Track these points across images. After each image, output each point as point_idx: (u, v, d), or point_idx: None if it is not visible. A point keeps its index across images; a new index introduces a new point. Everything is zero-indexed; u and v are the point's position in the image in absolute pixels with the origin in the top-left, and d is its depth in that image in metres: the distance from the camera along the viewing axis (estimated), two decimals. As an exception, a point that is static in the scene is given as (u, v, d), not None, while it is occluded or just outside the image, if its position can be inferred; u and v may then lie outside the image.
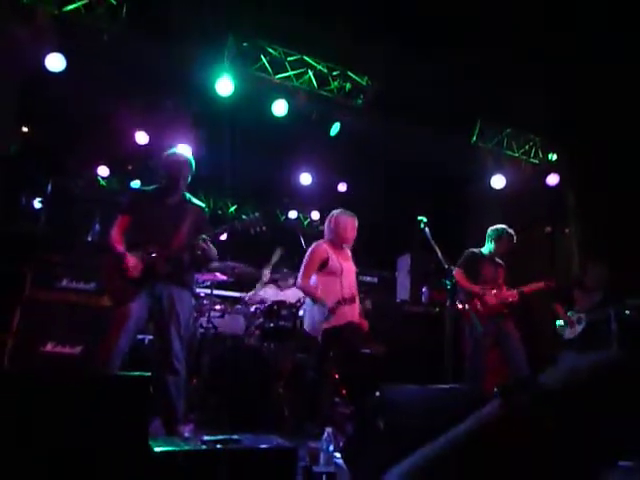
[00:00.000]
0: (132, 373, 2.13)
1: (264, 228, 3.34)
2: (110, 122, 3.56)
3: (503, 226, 4.57)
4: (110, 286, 3.20)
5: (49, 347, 4.55)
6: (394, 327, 5.24)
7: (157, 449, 2.00)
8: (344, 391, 4.35)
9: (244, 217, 3.38)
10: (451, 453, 0.70)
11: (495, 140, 6.60)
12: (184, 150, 3.46)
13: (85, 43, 4.66)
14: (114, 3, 4.64)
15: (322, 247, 3.85)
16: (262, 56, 5.38)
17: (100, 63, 4.83)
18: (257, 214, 3.33)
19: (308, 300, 3.86)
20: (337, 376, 4.19)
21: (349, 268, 3.92)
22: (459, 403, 2.60)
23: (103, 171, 6.74)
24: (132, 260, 3.10)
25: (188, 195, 3.45)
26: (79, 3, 4.54)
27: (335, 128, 5.84)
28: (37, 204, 5.23)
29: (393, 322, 5.32)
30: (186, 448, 2.07)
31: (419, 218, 3.66)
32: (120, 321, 3.03)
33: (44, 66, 4.52)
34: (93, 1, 4.56)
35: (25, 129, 5.43)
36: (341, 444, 2.75)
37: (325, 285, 3.76)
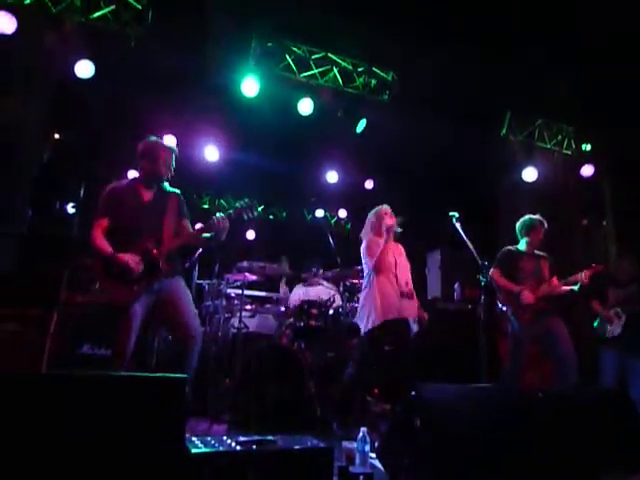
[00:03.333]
0: (169, 374, 2.12)
1: (255, 214, 3.28)
2: (138, 126, 3.61)
3: (529, 216, 4.42)
4: (108, 290, 3.05)
5: (85, 349, 4.66)
6: (426, 324, 5.15)
7: (194, 450, 2.01)
8: (376, 390, 4.36)
9: (237, 205, 3.27)
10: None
11: (526, 132, 6.44)
12: (168, 140, 3.31)
13: (113, 49, 4.72)
14: (140, 8, 4.69)
15: None
16: (286, 55, 5.38)
17: (127, 68, 4.88)
18: (247, 200, 3.23)
19: (367, 295, 3.82)
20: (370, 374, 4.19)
21: (403, 263, 3.91)
22: (496, 403, 2.56)
23: (133, 175, 6.85)
24: (132, 258, 3.00)
25: (162, 184, 3.30)
26: (106, 10, 4.61)
27: (361, 125, 5.79)
28: (70, 209, 5.35)
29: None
30: (222, 449, 2.07)
31: (450, 213, 3.60)
32: (127, 324, 2.99)
33: (74, 73, 4.60)
34: (119, 7, 4.62)
35: (57, 135, 5.54)
36: (376, 444, 2.74)
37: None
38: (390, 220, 3.89)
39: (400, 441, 2.54)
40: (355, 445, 2.65)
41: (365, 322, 3.75)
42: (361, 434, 2.65)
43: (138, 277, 3.01)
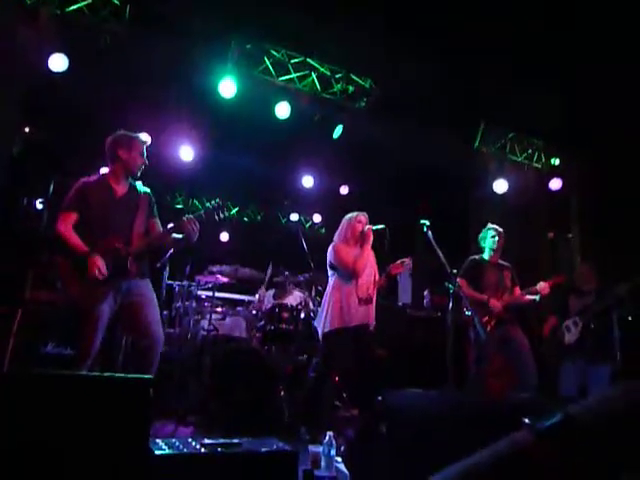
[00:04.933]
0: (134, 375, 2.12)
1: (227, 214, 3.27)
2: (112, 122, 3.55)
3: (489, 225, 4.57)
4: (74, 290, 2.98)
5: (49, 348, 4.56)
6: (396, 331, 5.21)
7: (157, 452, 1.99)
8: (344, 394, 4.38)
9: (207, 205, 3.24)
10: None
11: (498, 144, 6.59)
12: (143, 136, 3.25)
13: (88, 43, 4.64)
14: (117, 4, 4.63)
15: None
16: (265, 58, 5.38)
17: (102, 63, 4.80)
18: (218, 200, 3.20)
19: (328, 299, 3.85)
20: (337, 379, 4.21)
21: (369, 269, 3.94)
22: (457, 409, 2.60)
23: (105, 171, 6.73)
24: (100, 261, 2.93)
25: (134, 182, 3.26)
26: (82, 3, 4.53)
27: (338, 131, 5.83)
28: (39, 205, 5.22)
29: (395, 326, 5.29)
30: (186, 451, 2.05)
31: (421, 221, 3.66)
32: (92, 323, 2.92)
33: (47, 66, 4.51)
34: (96, 1, 4.56)
35: (27, 129, 5.41)
36: (342, 448, 2.76)
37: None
38: (363, 228, 3.92)
39: (365, 446, 2.47)
40: (321, 449, 2.65)
41: (321, 326, 3.80)
42: (327, 438, 2.65)
43: (105, 279, 2.95)
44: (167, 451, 2.02)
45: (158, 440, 2.15)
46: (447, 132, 6.12)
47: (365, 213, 4.01)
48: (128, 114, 4.80)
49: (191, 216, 3.09)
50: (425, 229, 3.63)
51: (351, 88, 5.78)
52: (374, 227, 3.91)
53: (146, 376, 2.07)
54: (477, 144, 6.43)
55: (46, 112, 5.40)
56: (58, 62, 4.55)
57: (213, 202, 3.20)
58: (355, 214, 3.99)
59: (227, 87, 5.12)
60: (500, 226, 4.61)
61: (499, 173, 6.51)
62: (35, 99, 5.08)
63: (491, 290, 4.37)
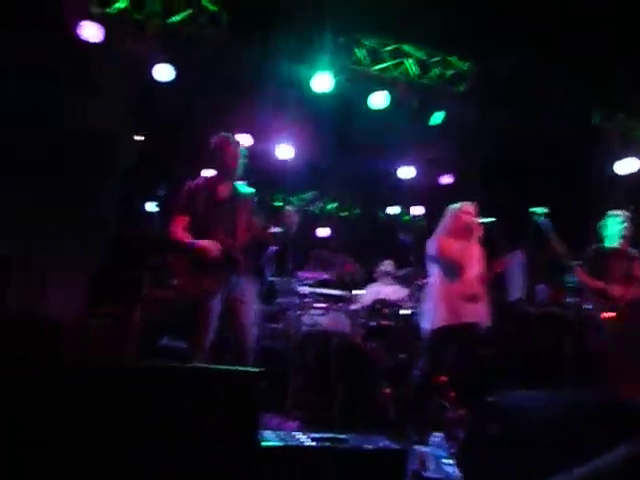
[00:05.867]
0: (243, 368, 2.16)
1: (322, 204, 3.31)
2: (214, 126, 3.71)
3: (618, 211, 4.09)
4: (187, 286, 3.18)
5: (165, 341, 4.87)
6: (507, 329, 4.91)
7: (265, 444, 2.03)
8: (452, 394, 4.23)
9: (303, 197, 3.32)
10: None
11: (619, 120, 5.90)
12: (242, 138, 3.42)
13: (190, 51, 4.86)
14: (215, 10, 4.80)
15: None
16: (358, 49, 5.29)
17: (204, 70, 5.03)
18: (313, 192, 3.28)
19: (432, 295, 3.71)
20: (444, 378, 4.06)
21: (476, 264, 3.74)
22: (574, 412, 2.36)
23: (208, 174, 7.08)
24: (211, 243, 3.08)
25: (236, 182, 3.37)
26: (183, 14, 4.76)
27: (436, 117, 5.58)
28: (151, 208, 5.61)
29: (506, 323, 4.98)
30: (293, 444, 2.09)
31: (535, 210, 3.40)
32: (204, 317, 3.08)
33: (154, 77, 4.79)
34: (195, 11, 4.75)
35: (139, 138, 5.83)
36: (452, 450, 2.68)
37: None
38: (469, 220, 3.68)
39: (477, 449, 2.41)
40: (429, 450, 2.65)
41: (427, 324, 3.66)
42: (436, 438, 2.67)
43: (217, 265, 3.08)
44: (275, 443, 2.07)
45: (266, 432, 2.21)
46: (558, 111, 5.61)
47: (472, 203, 3.76)
48: (228, 116, 4.98)
49: (289, 208, 3.18)
50: (540, 218, 3.35)
51: (449, 72, 5.52)
52: (482, 220, 3.66)
53: (257, 369, 2.09)
54: (596, 120, 5.81)
55: (153, 120, 5.77)
56: (164, 72, 4.81)
57: (309, 194, 3.27)
58: (461, 204, 3.75)
59: (321, 82, 5.10)
60: (626, 212, 4.12)
61: (623, 152, 5.83)
62: (144, 109, 5.44)
63: (618, 282, 3.90)
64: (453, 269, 3.61)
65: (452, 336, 3.55)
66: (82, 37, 4.42)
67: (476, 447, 2.46)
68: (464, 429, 3.47)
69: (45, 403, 1.77)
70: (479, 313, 3.60)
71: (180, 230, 3.19)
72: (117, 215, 5.53)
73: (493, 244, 3.67)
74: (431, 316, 3.64)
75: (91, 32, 4.44)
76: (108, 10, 4.59)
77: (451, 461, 2.60)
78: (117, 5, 4.61)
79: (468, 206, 3.74)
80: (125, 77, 4.86)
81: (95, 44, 4.46)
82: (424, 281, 4.83)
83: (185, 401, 1.91)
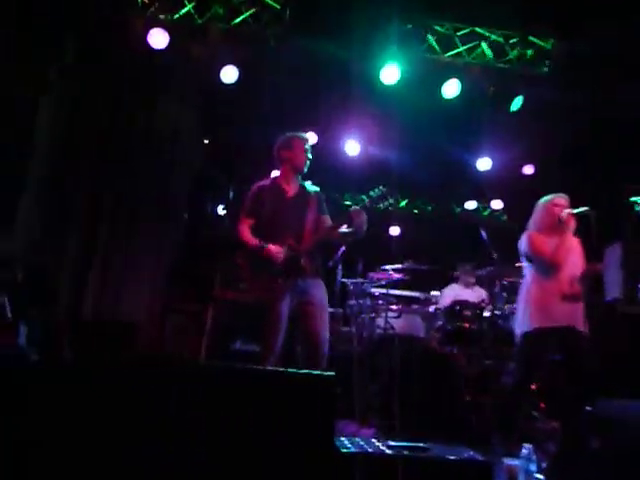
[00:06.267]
0: (320, 372, 2.14)
1: (391, 201, 3.20)
2: (281, 125, 3.66)
3: None
4: (256, 289, 3.18)
5: (238, 345, 4.90)
6: (604, 331, 4.47)
7: (344, 450, 2.05)
8: (543, 404, 3.96)
9: (371, 194, 3.18)
10: None
11: None
12: (308, 135, 3.38)
13: (254, 51, 4.86)
14: (278, 8, 4.77)
15: None
16: (429, 35, 5.05)
17: (269, 68, 5.01)
18: (382, 188, 3.14)
19: (525, 296, 3.45)
20: (535, 387, 3.77)
21: (573, 260, 3.43)
22: None
23: (275, 174, 7.12)
24: (276, 248, 3.06)
25: (304, 182, 3.35)
26: (246, 14, 4.76)
27: (516, 103, 5.18)
28: (220, 210, 5.71)
29: (603, 325, 4.53)
30: (371, 451, 2.09)
31: (633, 199, 3.01)
32: (273, 321, 3.05)
33: (219, 79, 4.82)
34: (258, 10, 4.74)
35: (206, 140, 5.93)
36: (543, 464, 2.52)
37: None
38: (562, 212, 3.35)
39: (574, 463, 2.38)
40: (518, 463, 2.45)
41: (519, 327, 3.40)
42: (526, 451, 2.43)
43: (282, 269, 3.06)
44: (352, 450, 2.08)
45: (342, 438, 2.23)
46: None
47: (564, 195, 3.44)
48: (295, 113, 4.93)
49: (357, 207, 3.08)
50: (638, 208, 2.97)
51: (529, 52, 5.13)
52: (575, 210, 3.32)
53: (331, 373, 2.03)
54: None
55: (221, 122, 5.84)
56: (229, 74, 4.83)
57: (377, 190, 3.14)
58: (552, 197, 3.45)
59: (389, 73, 4.92)
60: None
61: None
62: (211, 111, 5.51)
63: None
64: (547, 266, 3.32)
65: (545, 340, 3.28)
66: (150, 44, 4.54)
67: (573, 462, 2.39)
68: (556, 442, 3.22)
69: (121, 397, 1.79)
70: (575, 315, 3.30)
71: (247, 232, 3.22)
72: (189, 216, 5.65)
73: (590, 237, 3.30)
74: (522, 318, 3.39)
75: (158, 39, 4.55)
76: (175, 16, 4.68)
77: (542, 476, 2.43)
78: (182, 11, 4.69)
79: (560, 198, 3.44)
80: (191, 81, 4.93)
81: (161, 50, 4.56)
82: (510, 280, 4.52)
83: (263, 404, 1.89)
